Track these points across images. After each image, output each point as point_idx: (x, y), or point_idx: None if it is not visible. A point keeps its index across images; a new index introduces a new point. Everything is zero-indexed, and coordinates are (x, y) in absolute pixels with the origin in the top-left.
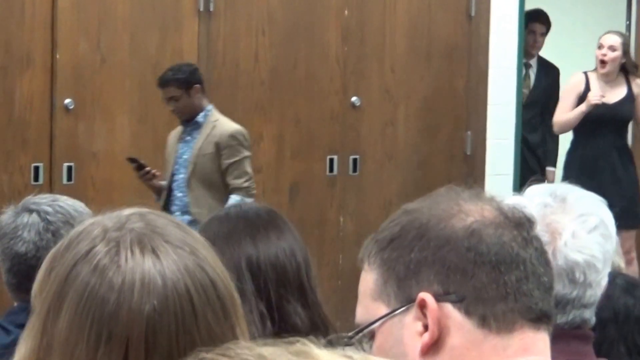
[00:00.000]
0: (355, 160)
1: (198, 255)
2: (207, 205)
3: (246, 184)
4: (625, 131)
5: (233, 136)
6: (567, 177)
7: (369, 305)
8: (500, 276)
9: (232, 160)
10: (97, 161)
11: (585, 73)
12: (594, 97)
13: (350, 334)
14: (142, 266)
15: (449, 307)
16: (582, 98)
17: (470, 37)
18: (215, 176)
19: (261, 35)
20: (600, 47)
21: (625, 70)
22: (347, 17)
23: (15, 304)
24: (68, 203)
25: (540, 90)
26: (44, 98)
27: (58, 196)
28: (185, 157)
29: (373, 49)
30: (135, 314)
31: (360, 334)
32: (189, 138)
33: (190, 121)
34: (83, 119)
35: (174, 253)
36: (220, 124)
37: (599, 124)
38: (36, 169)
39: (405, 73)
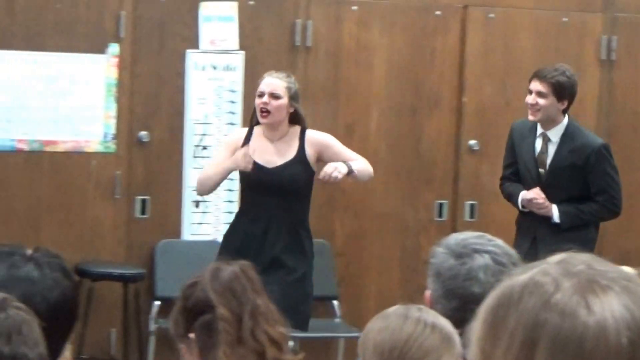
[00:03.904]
0: None
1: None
2: None
3: None
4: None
5: None
6: None
7: None
8: None
9: None
10: (499, 200)
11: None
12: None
13: None
14: (609, 304)
15: None
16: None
17: None
18: None
19: None
20: (260, 95)
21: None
22: None
23: None
24: (499, 243)
25: None
26: (450, 138)
27: (486, 235)
28: None
29: None
30: (613, 348)
31: None
32: None
33: None
34: (487, 160)
35: (626, 287)
36: None
37: None
38: (440, 205)
39: None
